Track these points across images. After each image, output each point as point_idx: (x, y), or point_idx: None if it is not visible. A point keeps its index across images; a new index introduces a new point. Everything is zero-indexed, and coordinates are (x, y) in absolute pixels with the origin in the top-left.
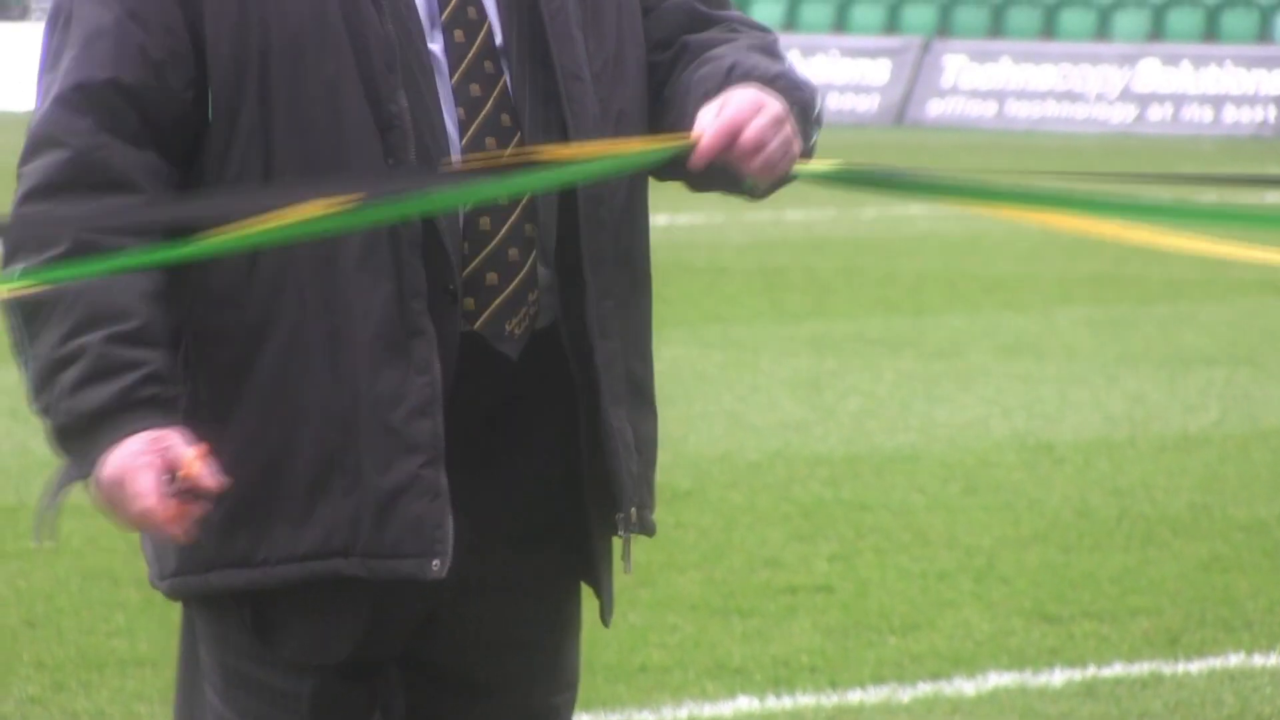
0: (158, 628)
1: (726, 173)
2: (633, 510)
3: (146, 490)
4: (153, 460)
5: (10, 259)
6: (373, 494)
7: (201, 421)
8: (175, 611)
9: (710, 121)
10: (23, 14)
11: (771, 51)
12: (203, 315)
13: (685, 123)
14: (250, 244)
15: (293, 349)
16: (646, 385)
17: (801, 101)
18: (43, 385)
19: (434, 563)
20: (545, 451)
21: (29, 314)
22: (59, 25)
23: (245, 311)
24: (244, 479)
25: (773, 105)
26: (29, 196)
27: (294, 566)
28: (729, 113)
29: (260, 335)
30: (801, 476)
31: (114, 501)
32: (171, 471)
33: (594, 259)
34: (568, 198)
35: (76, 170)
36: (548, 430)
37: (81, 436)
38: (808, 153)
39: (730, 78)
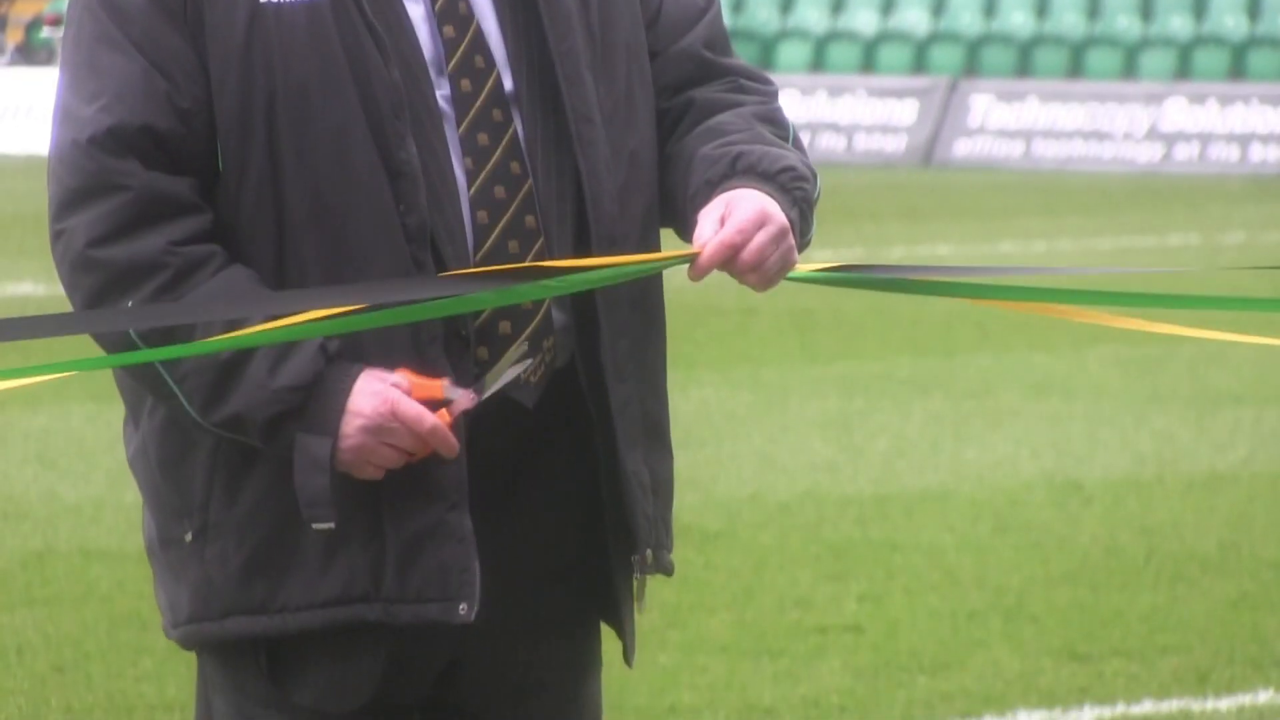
0: (186, 672)
1: None
2: (649, 552)
3: (420, 411)
4: (396, 388)
5: (104, 297)
6: (396, 540)
7: (223, 465)
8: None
9: (710, 235)
10: (49, 59)
11: (776, 120)
12: None
13: (684, 195)
14: (259, 341)
15: None
16: (662, 427)
17: (805, 197)
18: (219, 394)
19: (461, 606)
20: (563, 494)
21: (157, 344)
22: (75, 73)
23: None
24: (263, 527)
25: (776, 219)
26: (99, 242)
27: (315, 613)
28: (731, 228)
29: None
30: (831, 517)
31: (386, 441)
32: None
33: (608, 301)
34: (581, 241)
35: (144, 205)
36: (565, 472)
37: (303, 410)
38: (806, 244)
39: (735, 169)
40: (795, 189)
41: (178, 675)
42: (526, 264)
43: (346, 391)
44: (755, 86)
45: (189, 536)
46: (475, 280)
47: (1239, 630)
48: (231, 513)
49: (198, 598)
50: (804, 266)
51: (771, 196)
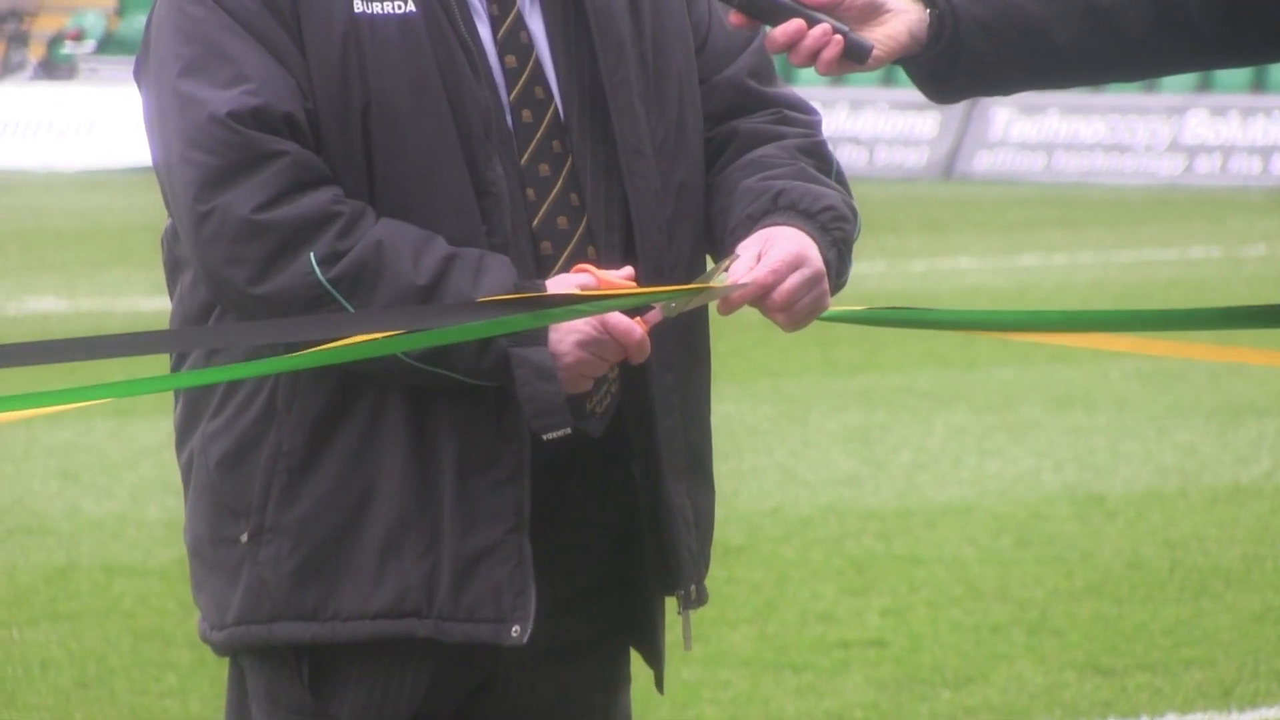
0: (210, 688)
1: None
2: (692, 588)
3: (629, 324)
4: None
5: (279, 258)
6: (453, 556)
7: (283, 469)
8: (227, 671)
9: (744, 273)
10: (71, 74)
11: (818, 153)
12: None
13: (724, 226)
14: (291, 366)
15: (381, 406)
16: (705, 460)
17: (844, 237)
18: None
19: (514, 629)
20: (604, 522)
21: (349, 287)
22: (196, 60)
23: (341, 364)
24: (319, 532)
25: (812, 261)
26: (265, 206)
27: (364, 624)
28: (765, 268)
29: (354, 390)
30: (853, 530)
31: (597, 354)
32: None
33: (655, 335)
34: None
35: (301, 169)
36: (607, 502)
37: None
38: (841, 285)
39: (777, 205)
40: (835, 229)
41: (202, 691)
42: (568, 293)
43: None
44: (799, 118)
45: (244, 537)
46: (510, 304)
47: (1263, 644)
48: (289, 515)
49: (248, 599)
50: (835, 306)
51: (811, 236)
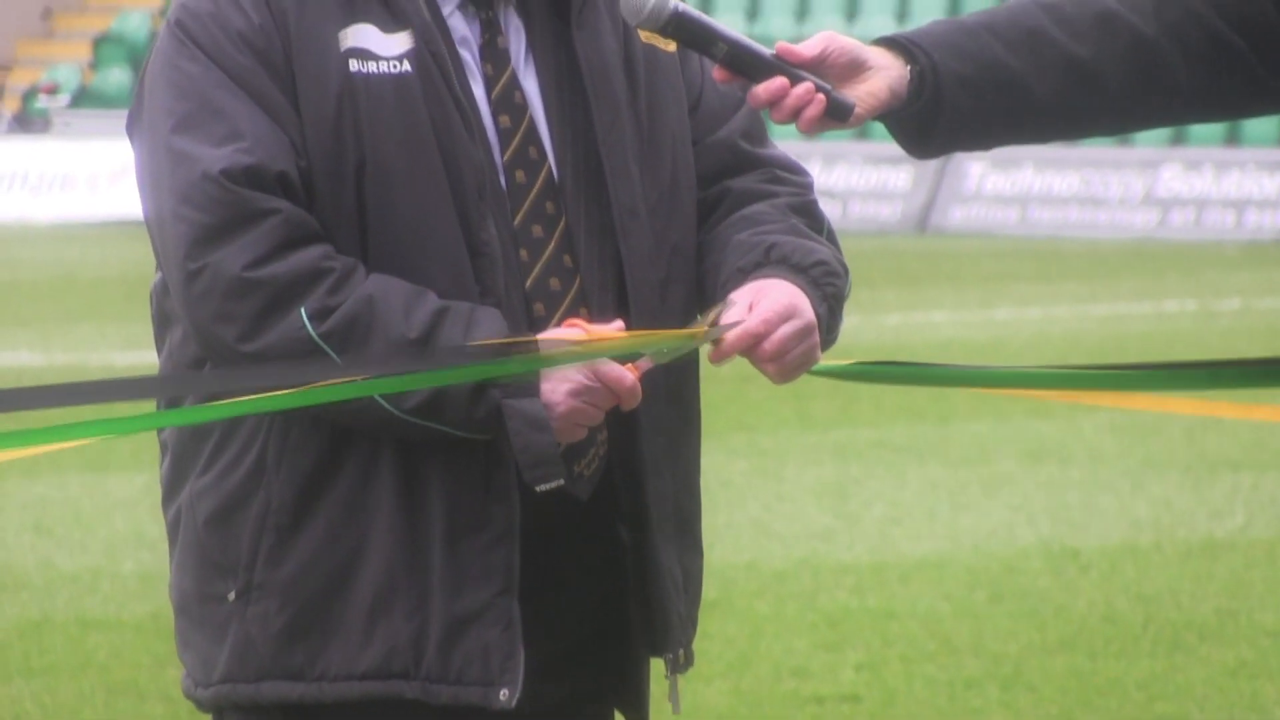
0: None
1: None
2: (681, 652)
3: (621, 371)
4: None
5: (270, 315)
6: (442, 618)
7: (272, 527)
8: None
9: (736, 320)
10: (45, 128)
11: (810, 212)
12: (289, 421)
13: (715, 280)
14: (266, 408)
15: (371, 464)
16: (695, 523)
17: (836, 293)
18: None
19: (503, 692)
20: (591, 585)
21: (340, 341)
22: (190, 117)
23: (331, 422)
24: (308, 591)
25: (803, 313)
26: (256, 264)
27: (352, 685)
28: (756, 318)
29: (344, 449)
30: (827, 585)
31: (590, 401)
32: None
33: (645, 395)
34: None
35: (294, 227)
36: (594, 565)
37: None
38: (832, 341)
39: (769, 258)
40: (827, 284)
41: None
42: (557, 338)
43: (535, 349)
44: (791, 178)
45: (231, 595)
46: (500, 352)
47: (1237, 698)
48: (277, 574)
49: (235, 657)
50: (824, 361)
51: (802, 290)
